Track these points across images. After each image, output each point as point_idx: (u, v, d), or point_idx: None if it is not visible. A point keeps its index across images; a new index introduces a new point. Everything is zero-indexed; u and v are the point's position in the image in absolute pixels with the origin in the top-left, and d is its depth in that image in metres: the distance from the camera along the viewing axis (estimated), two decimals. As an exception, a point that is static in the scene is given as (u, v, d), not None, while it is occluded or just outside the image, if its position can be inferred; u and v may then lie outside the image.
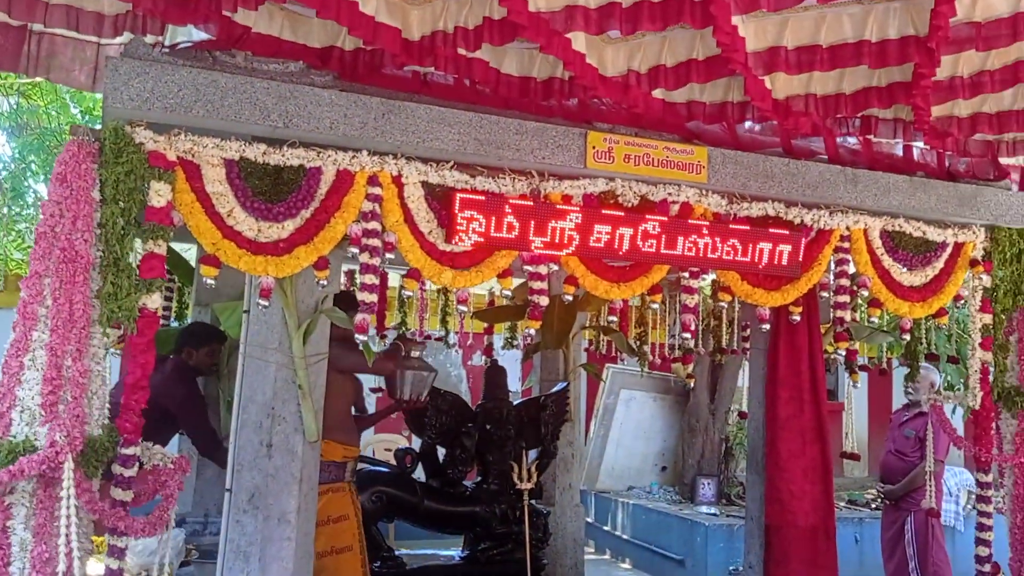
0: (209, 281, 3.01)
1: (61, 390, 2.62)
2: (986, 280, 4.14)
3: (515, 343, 7.48)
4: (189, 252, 5.88)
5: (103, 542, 3.70)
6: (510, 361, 6.27)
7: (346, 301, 4.95)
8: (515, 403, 5.49)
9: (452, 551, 5.26)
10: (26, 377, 2.59)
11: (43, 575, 2.56)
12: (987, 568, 4.13)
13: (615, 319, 3.99)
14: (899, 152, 4.08)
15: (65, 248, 2.65)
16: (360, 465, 5.30)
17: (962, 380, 4.95)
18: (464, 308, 3.41)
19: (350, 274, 6.36)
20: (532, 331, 3.54)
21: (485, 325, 7.35)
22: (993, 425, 4.19)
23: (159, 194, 2.80)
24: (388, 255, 3.16)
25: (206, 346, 5.28)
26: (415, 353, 4.44)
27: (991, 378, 4.16)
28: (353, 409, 4.53)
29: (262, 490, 3.38)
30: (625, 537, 8.63)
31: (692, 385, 9.05)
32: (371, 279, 3.11)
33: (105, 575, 2.67)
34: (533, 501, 5.12)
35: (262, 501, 3.38)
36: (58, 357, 2.61)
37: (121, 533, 2.69)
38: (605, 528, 8.93)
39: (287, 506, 3.41)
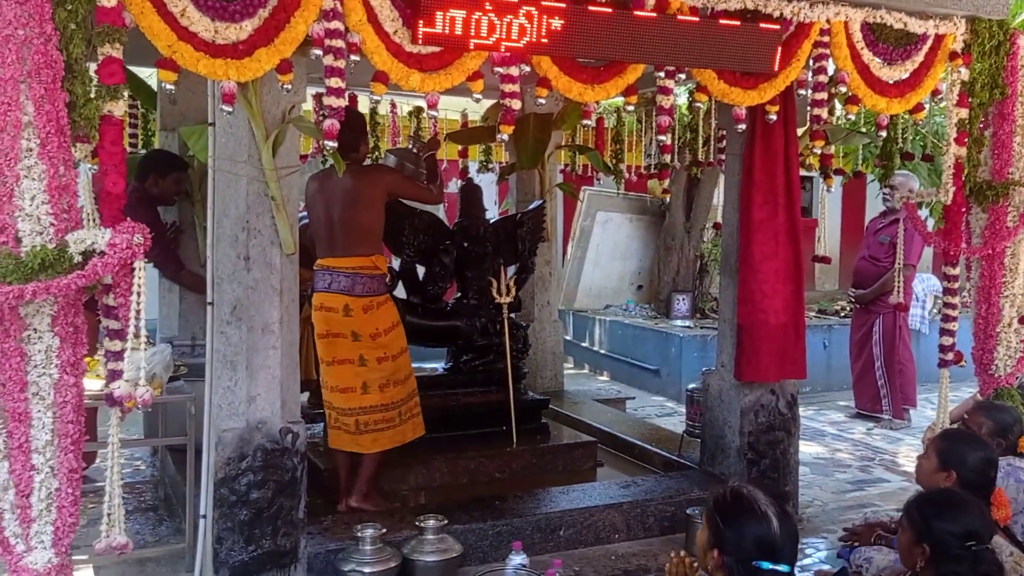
0: (169, 87, 2.89)
1: (63, 198, 2.59)
2: (964, 73, 4.08)
3: (490, 166, 7.42)
4: (151, 78, 5.69)
5: (93, 361, 3.79)
6: (485, 184, 6.23)
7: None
8: (492, 221, 5.50)
9: (436, 364, 5.41)
10: (24, 187, 2.54)
11: (73, 376, 2.64)
12: (950, 356, 4.31)
13: (590, 123, 3.90)
14: (883, -62, 3.92)
15: (41, 52, 2.53)
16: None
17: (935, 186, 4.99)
18: (435, 113, 3.33)
19: (318, 97, 6.19)
20: (505, 137, 3.47)
21: (459, 148, 7.26)
22: (963, 220, 4.26)
23: (107, -8, 2.65)
24: (353, 57, 3.05)
25: (172, 173, 5.19)
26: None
27: (964, 174, 4.19)
28: None
29: (243, 302, 3.42)
30: (603, 352, 8.93)
31: (668, 202, 9.10)
32: (336, 82, 3.01)
33: (108, 377, 2.72)
34: (512, 315, 5.23)
35: (244, 313, 3.42)
36: (56, 165, 2.57)
37: (122, 336, 2.74)
38: (583, 344, 9.22)
39: (269, 317, 3.46)
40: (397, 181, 4.42)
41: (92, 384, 3.55)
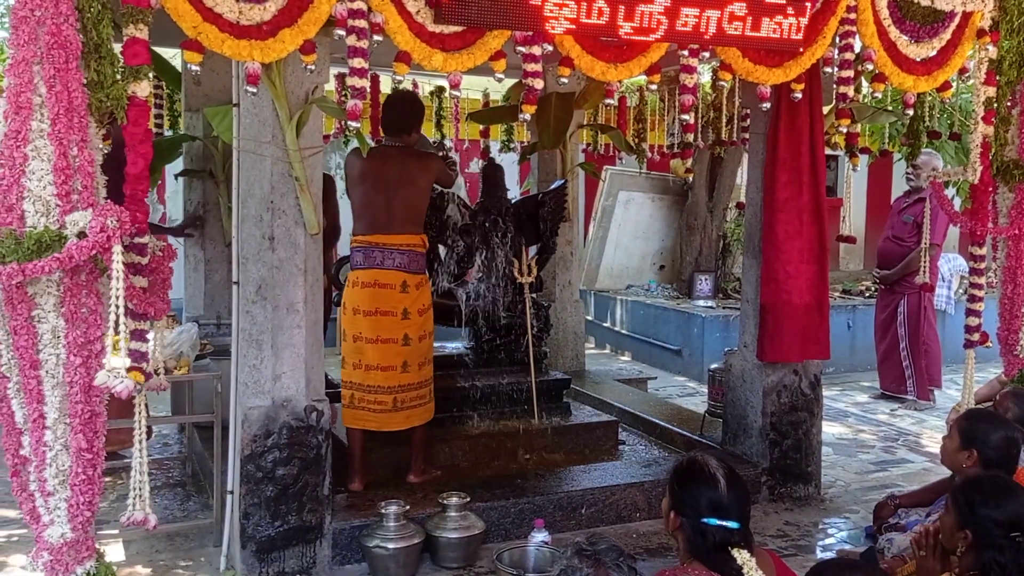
0: (194, 68, 2.90)
1: (72, 180, 2.60)
2: (992, 51, 4.01)
3: (512, 146, 7.42)
4: (175, 59, 5.73)
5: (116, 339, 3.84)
6: (507, 164, 6.24)
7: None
8: (513, 200, 5.50)
9: (457, 343, 5.43)
10: (32, 168, 2.55)
11: (80, 357, 2.64)
12: (976, 337, 4.27)
13: (612, 102, 3.88)
14: (911, -88, 3.85)
15: (53, 33, 2.53)
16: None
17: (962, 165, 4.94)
18: (457, 93, 3.33)
19: (340, 78, 6.21)
20: (527, 116, 3.47)
21: (481, 128, 7.26)
22: (990, 200, 4.21)
23: (132, -27, 2.66)
24: (376, 37, 3.05)
25: None
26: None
27: (991, 153, 4.13)
28: None
29: (268, 282, 3.46)
30: (624, 332, 8.93)
31: (690, 181, 9.06)
32: (359, 63, 3.01)
33: (133, 358, 2.74)
34: (534, 294, 5.24)
35: (269, 292, 3.46)
36: (65, 146, 2.57)
37: (146, 317, 2.75)
38: (604, 324, 9.22)
39: (294, 296, 3.50)
40: (442, 170, 4.62)
41: (115, 362, 3.60)
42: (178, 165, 5.88)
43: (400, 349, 4.26)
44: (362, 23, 2.99)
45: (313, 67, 3.07)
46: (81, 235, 2.55)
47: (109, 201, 2.61)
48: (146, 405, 2.85)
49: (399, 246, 4.24)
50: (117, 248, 2.56)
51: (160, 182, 8.36)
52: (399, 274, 4.24)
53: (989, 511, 2.43)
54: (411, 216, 4.32)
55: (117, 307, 2.58)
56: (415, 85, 7.12)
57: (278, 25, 2.91)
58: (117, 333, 2.61)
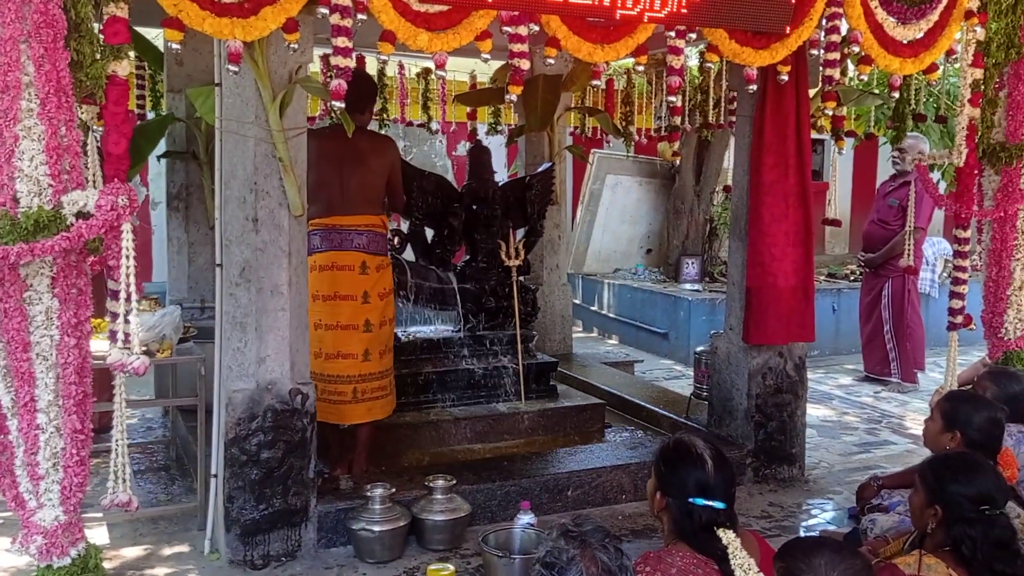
0: (175, 47, 2.87)
1: (62, 160, 2.57)
2: (980, 33, 4.02)
3: (499, 128, 7.38)
4: (157, 39, 5.65)
5: (100, 323, 3.82)
6: (494, 147, 6.20)
7: None
8: (500, 183, 5.48)
9: (444, 326, 5.41)
10: (23, 148, 2.52)
11: (74, 338, 2.63)
12: (959, 319, 4.29)
13: (599, 83, 3.86)
14: None
15: (41, 12, 2.49)
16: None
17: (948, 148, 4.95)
18: (443, 74, 3.30)
19: (325, 59, 6.15)
20: (514, 98, 3.45)
21: (468, 111, 7.22)
22: (975, 182, 4.22)
23: (111, -50, 2.62)
24: (360, 16, 3.02)
25: None
26: None
27: (977, 135, 4.14)
28: None
29: (252, 264, 3.43)
30: (611, 315, 8.94)
31: (678, 165, 9.05)
32: (343, 42, 2.98)
33: (110, 337, 2.72)
34: (521, 278, 5.23)
35: (253, 274, 3.43)
36: (55, 126, 2.54)
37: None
38: (592, 308, 9.23)
39: (278, 279, 3.47)
40: (397, 164, 4.44)
41: (99, 346, 3.58)
42: (161, 147, 5.82)
43: (361, 336, 4.13)
44: (346, 1, 2.96)
45: (296, 46, 3.05)
46: (80, 215, 2.54)
47: (116, 180, 2.61)
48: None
49: (358, 227, 4.13)
50: (126, 226, 2.59)
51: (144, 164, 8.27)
52: (358, 255, 4.12)
53: (959, 486, 2.45)
54: (368, 196, 4.19)
55: (128, 285, 2.61)
56: (401, 66, 7.07)
57: (260, 3, 2.88)
58: (128, 312, 2.63)
